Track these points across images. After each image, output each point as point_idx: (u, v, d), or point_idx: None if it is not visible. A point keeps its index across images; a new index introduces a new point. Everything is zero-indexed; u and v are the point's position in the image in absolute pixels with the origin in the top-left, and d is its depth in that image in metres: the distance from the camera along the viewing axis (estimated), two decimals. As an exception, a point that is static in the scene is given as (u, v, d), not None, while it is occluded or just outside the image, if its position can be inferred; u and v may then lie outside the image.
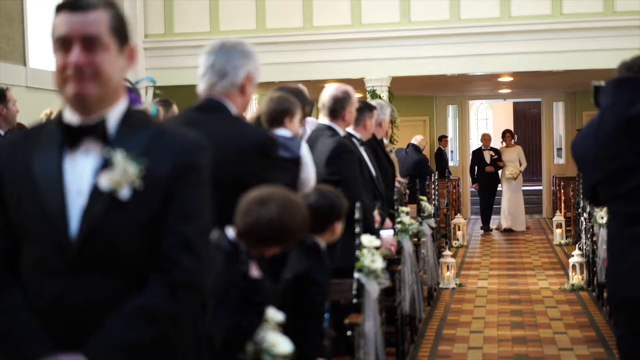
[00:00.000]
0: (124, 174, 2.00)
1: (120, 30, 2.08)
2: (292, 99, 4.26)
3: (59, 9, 2.05)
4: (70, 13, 2.02)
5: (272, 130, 4.02)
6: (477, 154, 15.55)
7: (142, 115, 2.17)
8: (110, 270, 2.01)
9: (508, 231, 14.91)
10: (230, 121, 3.12)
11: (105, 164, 2.01)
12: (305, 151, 4.06)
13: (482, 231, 15.23)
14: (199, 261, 2.04)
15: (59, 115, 2.10)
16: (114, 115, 2.07)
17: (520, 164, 15.07)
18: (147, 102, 4.27)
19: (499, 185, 15.32)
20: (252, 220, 2.73)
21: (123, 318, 1.98)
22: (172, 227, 2.03)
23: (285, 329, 2.74)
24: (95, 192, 2.00)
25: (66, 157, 2.04)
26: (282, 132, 4.08)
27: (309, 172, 4.02)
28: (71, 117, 2.07)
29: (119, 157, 2.00)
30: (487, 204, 15.40)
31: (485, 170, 15.21)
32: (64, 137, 2.05)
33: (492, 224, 15.45)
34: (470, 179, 16.20)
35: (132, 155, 2.01)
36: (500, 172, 15.19)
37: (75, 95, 2.01)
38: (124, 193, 2.00)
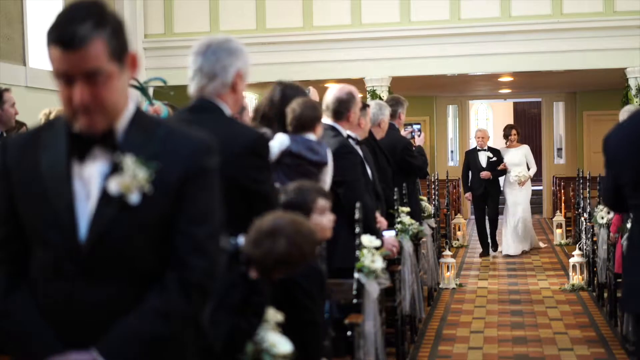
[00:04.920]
0: (133, 178, 1.97)
1: (119, 48, 1.98)
2: (319, 106, 4.53)
3: (51, 41, 1.94)
4: (65, 51, 1.91)
5: (299, 134, 4.31)
6: (471, 155, 12.06)
7: (150, 116, 2.15)
8: (119, 273, 2.00)
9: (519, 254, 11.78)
10: (223, 122, 3.10)
11: (115, 168, 1.99)
12: (330, 157, 4.33)
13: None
14: (210, 263, 2.04)
15: (67, 122, 2.03)
16: (122, 122, 2.03)
17: (529, 168, 11.88)
18: (158, 104, 4.22)
19: (501, 195, 12.00)
20: (262, 253, 2.71)
21: (139, 314, 1.98)
22: (183, 229, 2.02)
23: (285, 332, 2.73)
24: (104, 197, 1.98)
25: (74, 161, 2.01)
26: (310, 136, 4.34)
27: (328, 177, 4.32)
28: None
29: (129, 162, 1.98)
30: (484, 220, 11.88)
31: (481, 176, 11.72)
32: (71, 146, 2.01)
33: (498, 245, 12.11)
34: (463, 188, 12.80)
35: (141, 159, 1.98)
36: (503, 178, 11.89)
37: (86, 128, 1.97)
38: (134, 198, 1.97)
